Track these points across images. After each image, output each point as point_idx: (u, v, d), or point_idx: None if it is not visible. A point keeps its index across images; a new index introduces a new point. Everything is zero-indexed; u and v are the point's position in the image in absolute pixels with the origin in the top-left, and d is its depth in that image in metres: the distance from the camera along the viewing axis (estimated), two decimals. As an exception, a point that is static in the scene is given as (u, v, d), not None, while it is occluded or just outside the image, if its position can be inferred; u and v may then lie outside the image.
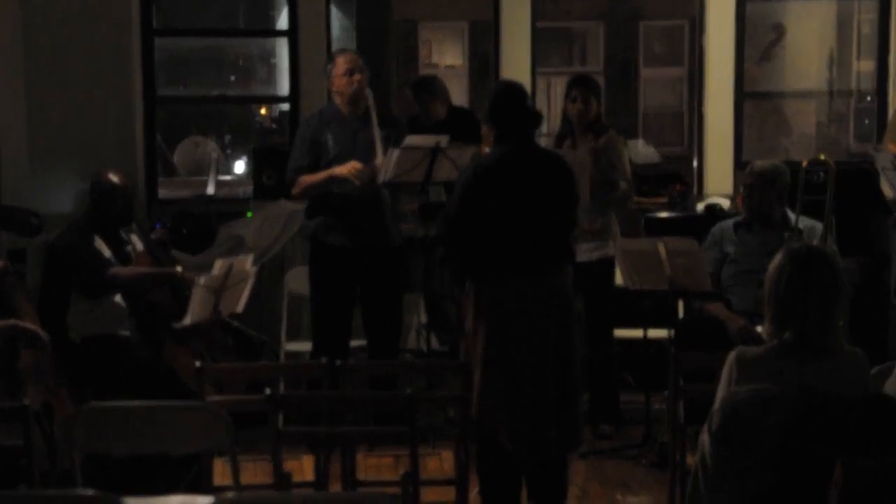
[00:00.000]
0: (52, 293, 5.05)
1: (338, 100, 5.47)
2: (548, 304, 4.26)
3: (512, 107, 4.36)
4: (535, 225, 4.28)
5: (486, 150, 4.71)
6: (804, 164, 5.52)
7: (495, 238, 4.27)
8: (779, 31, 7.97)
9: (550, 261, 4.31)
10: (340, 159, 5.34)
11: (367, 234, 5.33)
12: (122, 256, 5.10)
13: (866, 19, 7.50)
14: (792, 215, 5.27)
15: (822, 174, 5.51)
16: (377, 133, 5.26)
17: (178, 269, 5.09)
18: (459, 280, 4.46)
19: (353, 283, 5.37)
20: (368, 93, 5.39)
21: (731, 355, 3.20)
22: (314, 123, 5.50)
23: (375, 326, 5.51)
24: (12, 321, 4.40)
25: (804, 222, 5.25)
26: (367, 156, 5.27)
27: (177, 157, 8.10)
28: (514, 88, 4.48)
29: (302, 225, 5.75)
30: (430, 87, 6.23)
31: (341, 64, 5.43)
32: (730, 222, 5.40)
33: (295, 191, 5.50)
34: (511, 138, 4.34)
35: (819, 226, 5.27)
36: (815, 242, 5.08)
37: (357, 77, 5.39)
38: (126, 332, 5.01)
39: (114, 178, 5.14)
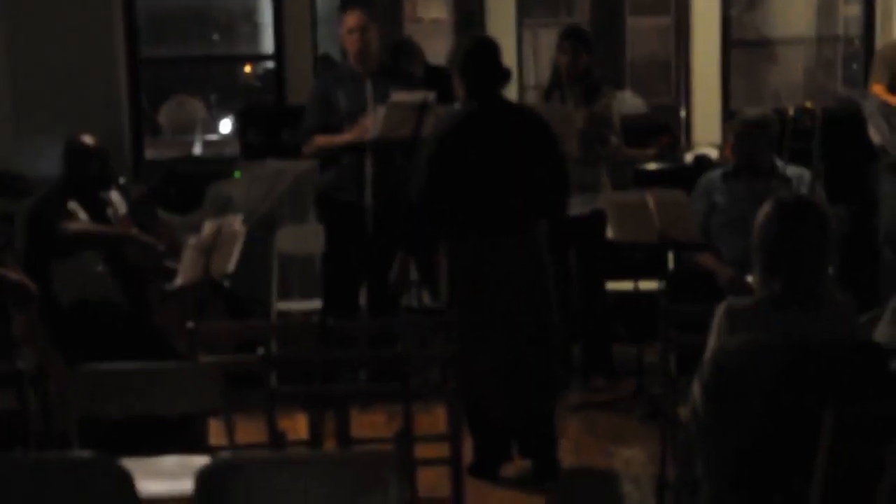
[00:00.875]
0: (33, 258, 5.04)
1: (350, 57, 5.48)
2: (521, 262, 4.25)
3: (481, 62, 4.32)
4: (504, 183, 4.24)
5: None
6: (791, 111, 5.51)
7: (464, 198, 4.23)
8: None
9: (523, 219, 4.28)
10: (352, 116, 5.36)
11: (376, 190, 5.31)
12: (102, 219, 5.08)
13: (852, -36, 7.47)
14: (780, 163, 5.27)
15: (809, 121, 5.50)
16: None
17: (134, 231, 5.01)
18: (433, 242, 4.42)
19: (360, 238, 5.35)
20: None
21: (721, 307, 3.21)
22: (327, 81, 5.55)
23: (378, 280, 5.53)
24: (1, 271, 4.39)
25: (792, 170, 5.25)
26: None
27: (162, 118, 8.06)
28: (484, 43, 4.43)
29: (315, 182, 5.74)
30: (407, 50, 6.19)
31: (346, 22, 5.46)
32: (717, 172, 5.39)
33: (307, 150, 5.54)
34: (479, 94, 4.30)
35: (807, 173, 5.28)
36: (803, 190, 5.09)
37: (359, 35, 5.37)
38: (112, 296, 5.01)
39: (87, 139, 5.10)
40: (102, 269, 5.01)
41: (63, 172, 5.14)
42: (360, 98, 5.39)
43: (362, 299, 5.57)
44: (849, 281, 5.47)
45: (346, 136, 5.35)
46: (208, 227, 4.88)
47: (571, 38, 5.64)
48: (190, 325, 4.17)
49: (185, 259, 4.83)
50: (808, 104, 5.64)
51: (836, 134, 5.74)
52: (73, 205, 5.00)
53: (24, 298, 4.39)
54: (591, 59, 5.66)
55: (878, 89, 5.94)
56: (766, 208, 3.17)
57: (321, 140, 5.44)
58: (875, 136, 5.99)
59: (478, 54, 4.34)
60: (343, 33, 5.47)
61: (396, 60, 5.98)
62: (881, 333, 3.15)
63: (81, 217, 4.99)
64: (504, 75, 4.41)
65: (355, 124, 5.33)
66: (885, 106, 5.74)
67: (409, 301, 6.22)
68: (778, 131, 5.24)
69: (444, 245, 4.35)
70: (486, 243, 4.24)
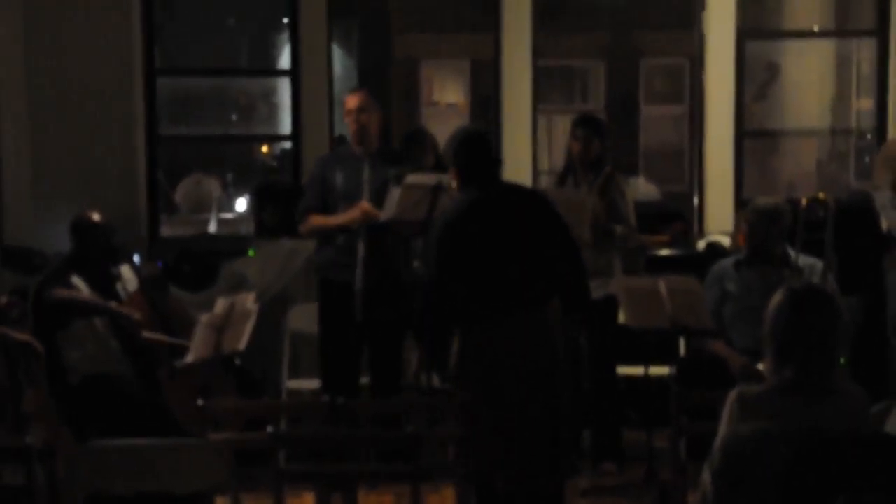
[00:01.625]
0: (42, 335, 5.06)
1: (350, 138, 5.55)
2: (532, 342, 4.24)
3: (473, 152, 4.40)
4: (512, 263, 4.27)
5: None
6: (804, 202, 5.54)
7: (474, 282, 4.25)
8: (773, 69, 8.03)
9: (533, 297, 4.29)
10: (348, 197, 5.40)
11: (372, 271, 5.34)
12: (111, 295, 5.11)
13: (865, 58, 7.55)
14: (792, 253, 5.29)
15: (822, 212, 5.53)
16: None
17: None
18: (449, 329, 4.42)
19: (356, 321, 5.37)
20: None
21: (732, 394, 3.20)
22: (326, 162, 5.60)
23: (377, 363, 5.52)
24: (3, 329, 4.40)
25: (804, 260, 5.27)
26: (375, 195, 5.31)
27: (179, 195, 8.15)
28: (474, 135, 4.54)
29: (313, 262, 5.76)
30: (419, 140, 6.27)
31: (346, 103, 5.52)
32: (730, 260, 5.41)
33: (303, 229, 5.57)
34: (475, 181, 4.37)
35: (819, 264, 5.29)
36: (815, 280, 5.10)
37: (356, 116, 5.44)
38: (124, 372, 5.02)
39: (93, 216, 5.16)
40: (115, 346, 5.03)
41: (70, 248, 5.19)
42: (356, 178, 5.42)
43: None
44: (859, 372, 5.45)
45: (340, 218, 5.38)
46: (221, 305, 4.90)
47: (584, 125, 5.70)
48: (200, 402, 4.17)
49: (196, 336, 4.85)
50: (821, 195, 5.68)
51: (847, 225, 5.76)
52: (75, 280, 5.04)
53: (32, 359, 4.39)
54: (603, 146, 5.71)
55: (881, 177, 5.98)
56: (778, 296, 3.18)
57: (316, 220, 5.47)
58: (887, 228, 6.01)
59: (469, 144, 4.43)
60: (344, 114, 5.52)
61: (408, 149, 6.04)
62: (893, 425, 3.12)
63: (83, 291, 5.03)
64: (495, 163, 4.50)
65: (351, 205, 5.37)
66: (897, 199, 5.78)
67: (418, 383, 6.20)
68: (791, 221, 5.27)
69: (455, 327, 4.35)
70: (497, 323, 4.24)
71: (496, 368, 4.22)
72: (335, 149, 5.67)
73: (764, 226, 5.25)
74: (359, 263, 5.29)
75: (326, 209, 5.47)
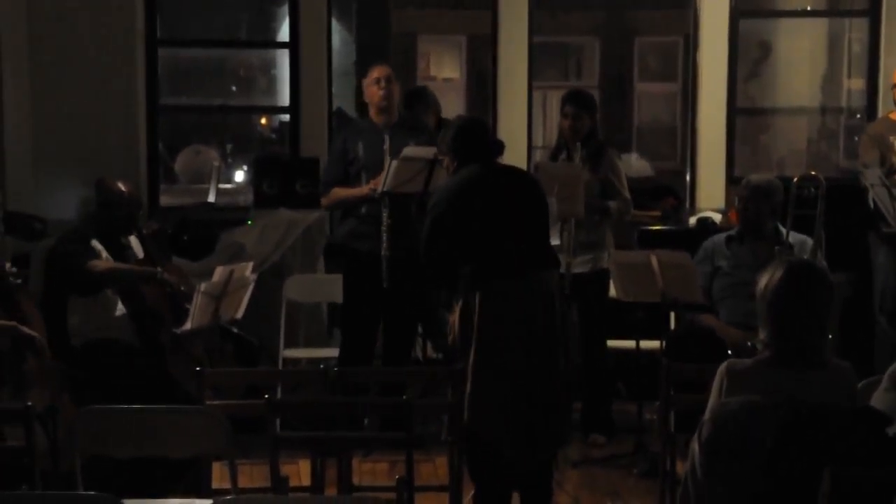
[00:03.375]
0: (52, 298, 5.11)
1: (371, 110, 5.63)
2: (535, 306, 4.30)
3: (474, 139, 4.46)
4: (516, 231, 4.35)
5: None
6: (795, 179, 5.61)
7: (480, 246, 4.31)
8: (765, 48, 8.06)
9: (535, 264, 4.37)
10: (370, 168, 5.49)
11: (392, 241, 5.39)
12: (121, 261, 5.17)
13: (856, 38, 7.58)
14: (783, 230, 5.37)
15: (812, 189, 5.60)
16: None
17: (158, 269, 5.10)
18: (451, 292, 4.50)
19: (378, 288, 5.42)
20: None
21: (722, 367, 3.27)
22: (346, 134, 5.69)
23: (394, 330, 5.61)
24: (13, 323, 4.46)
25: (795, 237, 5.34)
26: None
27: (178, 165, 8.18)
28: (475, 123, 4.61)
29: (333, 232, 5.84)
30: (423, 98, 6.32)
31: (372, 73, 5.62)
32: (721, 236, 5.48)
33: (325, 202, 5.71)
34: (475, 163, 4.42)
35: (809, 241, 5.37)
36: (805, 257, 5.18)
37: (386, 86, 5.54)
38: (127, 338, 5.08)
39: (122, 186, 5.22)
40: (120, 311, 5.09)
41: (91, 212, 5.24)
42: (378, 150, 5.52)
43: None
44: (847, 348, 5.54)
45: (363, 189, 5.48)
46: (219, 274, 4.96)
47: (572, 101, 5.74)
48: (197, 369, 4.24)
49: (195, 304, 4.91)
50: (813, 173, 5.74)
51: (838, 203, 5.83)
52: (96, 244, 5.10)
53: (33, 349, 4.46)
54: (593, 121, 5.75)
55: (870, 156, 6.05)
56: (776, 272, 3.24)
57: (339, 192, 5.59)
58: (874, 205, 6.08)
59: (468, 129, 4.49)
60: (368, 83, 5.61)
61: (411, 107, 6.10)
62: (878, 399, 3.19)
63: (104, 256, 5.09)
64: (496, 146, 4.54)
65: (374, 176, 5.45)
66: (886, 177, 5.84)
67: (412, 353, 6.28)
68: (782, 198, 5.35)
69: (465, 293, 4.38)
70: (504, 286, 4.29)
71: (503, 330, 4.28)
72: (352, 123, 5.76)
73: (757, 202, 5.32)
74: (384, 231, 5.36)
75: (348, 181, 5.56)
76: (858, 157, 6.20)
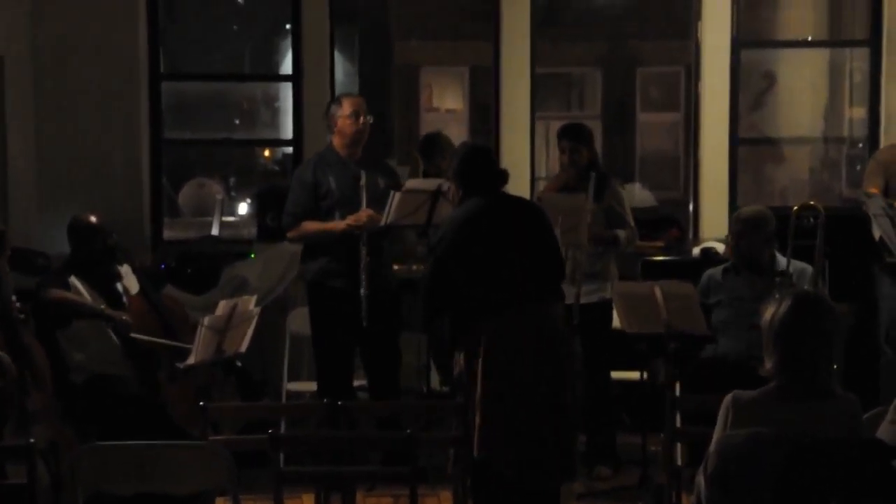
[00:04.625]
0: (42, 334, 5.12)
1: (337, 141, 5.53)
2: (541, 337, 4.32)
3: (480, 167, 4.47)
4: (521, 262, 4.36)
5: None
6: (795, 209, 5.62)
7: (486, 277, 4.32)
8: (770, 79, 8.09)
9: (540, 295, 4.38)
10: (343, 204, 5.42)
11: (367, 276, 5.37)
12: (111, 294, 5.17)
13: (858, 67, 7.61)
14: (782, 259, 5.38)
15: (812, 219, 5.61)
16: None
17: (104, 307, 5.08)
18: (454, 326, 4.49)
19: (353, 325, 5.41)
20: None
21: (727, 398, 3.26)
22: (313, 167, 5.55)
23: (378, 366, 5.57)
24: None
25: (795, 265, 5.35)
26: (374, 201, 5.35)
27: (182, 199, 8.21)
28: (481, 150, 4.61)
29: (302, 269, 5.77)
30: (436, 144, 6.33)
31: (347, 106, 5.52)
32: (718, 269, 5.50)
33: (292, 234, 5.57)
34: (481, 194, 4.44)
35: (809, 268, 5.38)
36: (806, 286, 5.18)
37: (362, 120, 5.49)
38: (123, 373, 5.08)
39: (89, 217, 5.23)
40: (117, 346, 5.09)
41: (70, 253, 5.26)
42: (350, 185, 5.40)
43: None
44: (850, 378, 5.52)
45: (340, 223, 5.37)
46: (222, 307, 4.95)
47: (566, 136, 5.75)
48: (201, 403, 4.23)
49: (198, 338, 4.90)
50: (812, 202, 5.75)
51: (841, 233, 5.83)
52: (74, 281, 5.10)
53: (40, 385, 4.46)
54: (590, 153, 5.75)
55: (874, 189, 6.04)
56: (783, 301, 3.24)
57: (311, 226, 5.45)
58: (878, 235, 6.08)
59: (474, 158, 4.50)
60: (342, 115, 5.47)
61: (427, 156, 6.07)
62: (885, 431, 3.18)
63: (81, 292, 5.09)
64: (501, 176, 4.55)
65: (348, 211, 5.36)
66: (889, 207, 5.83)
67: (418, 386, 6.27)
68: (775, 228, 5.37)
69: (470, 326, 4.38)
70: (511, 317, 4.30)
71: (509, 359, 4.28)
72: (318, 154, 5.66)
73: (749, 234, 5.35)
74: (362, 269, 5.31)
75: (318, 215, 5.47)
76: (863, 184, 6.19)
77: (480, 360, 4.31)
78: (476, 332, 4.34)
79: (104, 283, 5.16)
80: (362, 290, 5.28)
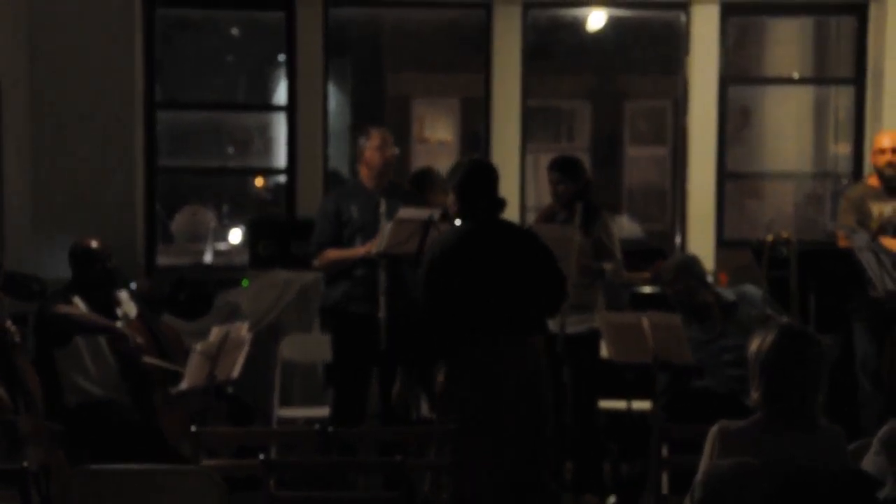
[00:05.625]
0: (41, 356, 5.15)
1: (364, 172, 5.65)
2: (518, 368, 4.32)
3: (481, 187, 4.47)
4: (500, 292, 4.34)
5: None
6: (769, 239, 5.73)
7: (462, 308, 4.33)
8: (745, 114, 8.20)
9: (519, 328, 4.38)
10: (365, 231, 5.52)
11: (389, 303, 5.42)
12: (110, 319, 5.21)
13: (843, 105, 7.73)
14: (726, 292, 5.50)
15: (786, 251, 5.71)
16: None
17: (118, 324, 5.13)
18: (440, 354, 4.50)
19: (372, 350, 5.43)
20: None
21: (714, 428, 3.29)
22: (338, 197, 5.70)
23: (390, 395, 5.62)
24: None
25: (743, 288, 5.51)
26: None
27: (175, 225, 8.25)
28: (486, 169, 4.58)
29: (323, 294, 5.81)
30: (428, 180, 6.40)
31: (376, 137, 5.64)
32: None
33: (317, 263, 5.68)
34: (475, 216, 4.46)
35: (755, 290, 5.52)
36: (754, 308, 5.32)
37: (389, 151, 5.60)
38: (119, 397, 5.11)
39: (90, 242, 5.29)
40: (114, 368, 5.12)
41: (72, 278, 5.30)
42: (372, 212, 5.53)
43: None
44: (832, 409, 5.58)
45: (359, 250, 5.49)
46: (215, 333, 4.99)
47: (555, 169, 5.84)
48: (192, 428, 4.26)
49: (190, 363, 4.94)
50: (786, 234, 5.84)
51: (823, 265, 5.90)
52: (77, 300, 5.15)
53: (31, 407, 4.48)
54: (577, 185, 5.82)
55: (843, 241, 6.12)
56: (768, 333, 3.30)
57: (333, 254, 5.58)
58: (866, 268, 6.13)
59: (477, 177, 4.49)
60: (370, 147, 5.60)
61: (419, 189, 6.15)
62: (869, 463, 3.22)
63: (83, 310, 5.13)
64: (499, 203, 4.54)
65: (368, 238, 5.49)
66: (873, 241, 5.91)
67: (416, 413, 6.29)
68: (703, 267, 5.56)
69: (443, 355, 4.42)
70: (483, 349, 4.32)
71: (483, 394, 4.29)
72: (344, 184, 5.78)
73: (681, 278, 5.49)
74: (381, 294, 5.38)
75: (341, 243, 5.57)
76: (836, 221, 6.30)
77: (453, 390, 4.32)
78: (449, 361, 4.35)
79: (104, 306, 5.21)
80: (380, 314, 5.35)
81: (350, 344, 5.56)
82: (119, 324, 5.21)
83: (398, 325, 5.33)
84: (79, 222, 6.34)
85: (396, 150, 5.69)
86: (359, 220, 5.56)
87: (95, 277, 5.22)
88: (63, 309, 5.06)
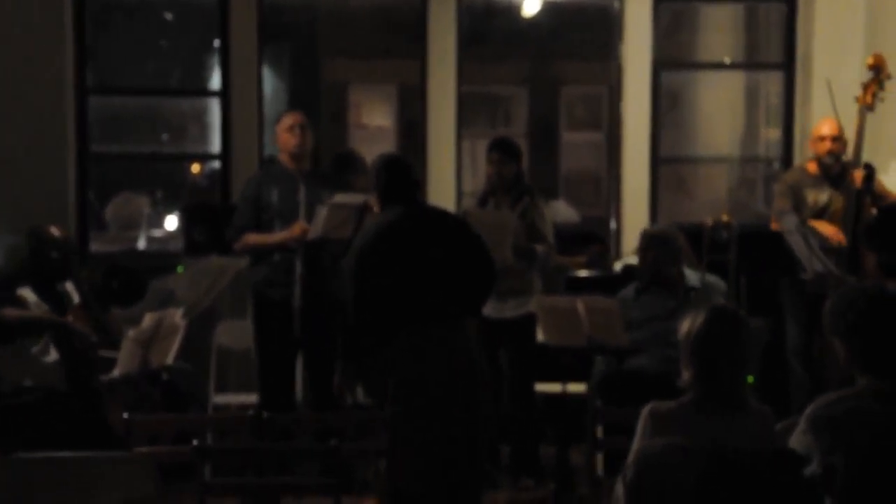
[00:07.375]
0: None
1: (283, 156, 5.64)
2: (452, 354, 4.34)
3: (395, 178, 4.52)
4: (430, 278, 4.36)
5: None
6: (710, 223, 5.79)
7: (395, 293, 4.34)
8: (673, 101, 8.29)
9: (451, 312, 4.40)
10: (284, 216, 5.50)
11: (309, 288, 5.42)
12: (60, 310, 5.14)
13: (773, 90, 7.84)
14: (692, 276, 5.54)
15: (725, 234, 5.77)
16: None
17: (70, 318, 5.08)
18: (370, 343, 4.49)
19: (289, 336, 5.45)
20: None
21: (645, 409, 3.35)
22: (258, 180, 5.67)
23: (315, 378, 5.62)
24: None
25: (707, 279, 5.52)
26: (310, 214, 5.42)
27: (108, 213, 8.16)
28: (396, 161, 4.65)
29: (246, 280, 5.81)
30: (351, 163, 6.39)
31: (285, 120, 5.64)
32: (630, 289, 5.63)
33: (237, 247, 5.67)
34: (395, 203, 4.48)
35: (722, 283, 5.55)
36: (719, 299, 5.34)
37: (299, 132, 5.56)
38: (56, 384, 5.04)
39: (55, 231, 5.21)
40: (52, 357, 5.05)
41: (22, 260, 5.21)
42: (292, 197, 5.54)
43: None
44: (763, 390, 5.68)
45: (276, 236, 5.49)
46: (148, 320, 4.96)
47: (496, 149, 5.85)
48: (126, 415, 4.23)
49: (123, 350, 4.90)
50: (725, 217, 5.91)
51: (754, 249, 5.99)
52: (24, 292, 5.07)
53: None
54: (518, 168, 5.87)
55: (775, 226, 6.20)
56: (699, 315, 3.35)
57: (252, 238, 5.57)
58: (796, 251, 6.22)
59: (389, 168, 4.55)
60: (280, 131, 5.64)
61: (340, 171, 6.15)
62: (796, 441, 3.27)
63: (32, 304, 5.06)
64: (414, 185, 4.59)
65: (287, 223, 5.47)
66: (802, 224, 6.00)
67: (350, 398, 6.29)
68: (682, 246, 5.53)
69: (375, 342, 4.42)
70: (418, 335, 4.33)
71: (417, 378, 4.31)
72: (267, 168, 5.77)
73: (655, 249, 5.51)
74: (296, 281, 5.38)
75: (260, 227, 5.56)
76: (772, 205, 6.37)
77: (387, 378, 4.33)
78: (384, 349, 4.35)
79: (54, 296, 5.14)
80: (295, 302, 5.33)
81: (269, 329, 5.57)
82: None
83: (314, 313, 5.34)
84: (9, 210, 6.25)
85: (311, 134, 5.65)
86: (278, 204, 5.55)
87: (52, 267, 5.14)
88: (12, 314, 4.97)
